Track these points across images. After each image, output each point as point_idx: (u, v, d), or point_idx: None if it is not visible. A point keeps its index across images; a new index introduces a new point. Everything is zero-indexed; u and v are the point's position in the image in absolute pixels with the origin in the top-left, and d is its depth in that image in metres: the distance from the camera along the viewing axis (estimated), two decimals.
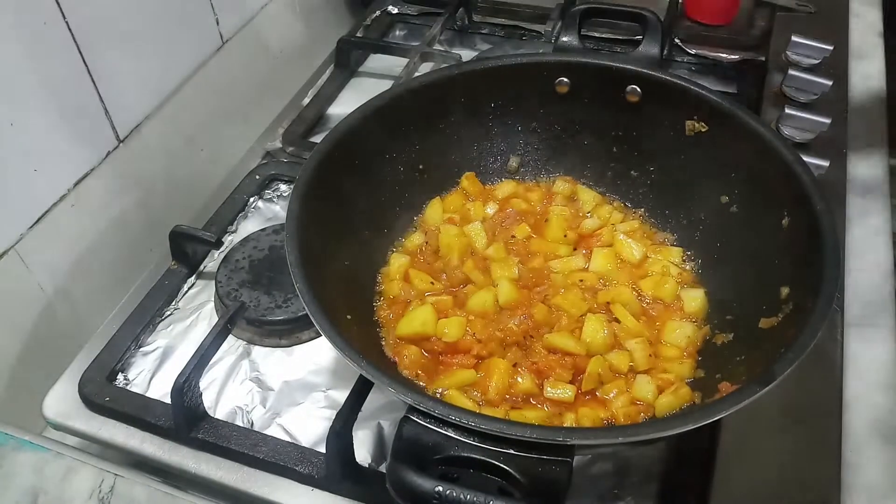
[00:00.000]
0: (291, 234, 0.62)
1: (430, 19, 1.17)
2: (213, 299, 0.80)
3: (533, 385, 0.65)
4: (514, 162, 0.84)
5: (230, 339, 0.74)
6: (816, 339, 0.53)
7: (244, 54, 1.00)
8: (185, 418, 0.66)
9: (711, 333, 0.68)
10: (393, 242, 0.78)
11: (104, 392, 0.70)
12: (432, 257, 0.76)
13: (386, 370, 0.61)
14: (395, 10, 1.21)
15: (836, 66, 0.99)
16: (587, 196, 0.81)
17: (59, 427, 0.70)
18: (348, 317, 0.65)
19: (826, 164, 0.84)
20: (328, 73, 1.10)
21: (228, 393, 0.72)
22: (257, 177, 0.92)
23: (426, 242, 0.77)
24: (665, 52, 0.98)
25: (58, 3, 0.72)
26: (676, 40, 1.07)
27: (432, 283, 0.73)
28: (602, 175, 0.83)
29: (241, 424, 0.69)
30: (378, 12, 1.20)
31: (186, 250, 0.82)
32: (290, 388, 0.73)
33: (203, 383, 0.68)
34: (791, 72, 0.95)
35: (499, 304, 0.71)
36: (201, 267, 0.84)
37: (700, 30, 1.08)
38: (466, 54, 1.10)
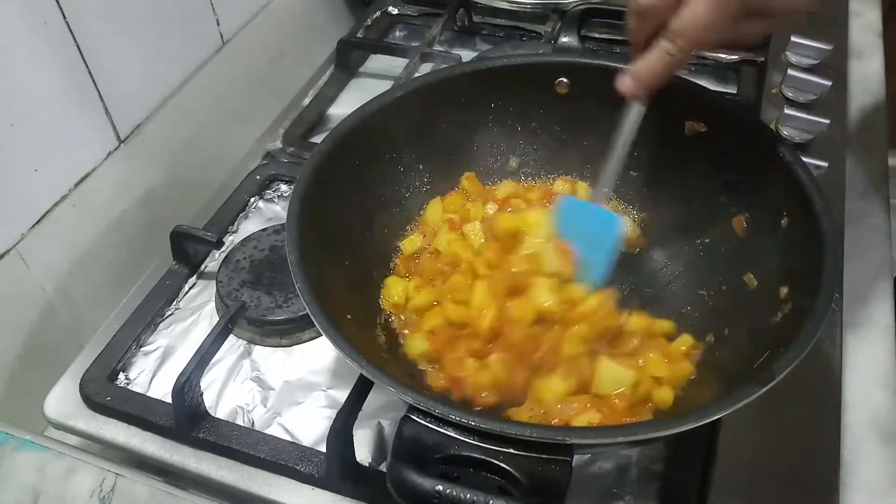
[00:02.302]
0: (292, 233, 0.62)
1: (430, 20, 1.17)
2: (213, 299, 0.80)
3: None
4: (514, 162, 0.84)
5: (231, 338, 0.74)
6: (815, 338, 0.53)
7: (245, 55, 1.01)
8: (186, 418, 0.66)
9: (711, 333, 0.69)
10: (393, 242, 0.78)
11: (105, 391, 0.71)
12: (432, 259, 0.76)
13: (386, 369, 0.61)
14: (396, 11, 1.21)
15: (836, 66, 0.99)
16: (587, 195, 0.81)
17: (60, 426, 0.70)
18: (348, 316, 0.65)
19: (825, 164, 0.84)
20: (328, 73, 1.10)
21: (229, 392, 0.72)
22: (258, 177, 0.92)
23: (427, 248, 0.77)
24: None
25: (58, 3, 0.72)
26: None
27: (435, 303, 0.72)
28: (601, 175, 0.82)
29: (241, 424, 0.69)
30: (378, 13, 1.20)
31: (187, 250, 0.83)
32: (290, 387, 0.73)
33: (204, 383, 0.68)
34: (790, 72, 0.95)
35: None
36: (202, 267, 0.84)
37: None
38: (466, 55, 1.10)
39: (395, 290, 0.73)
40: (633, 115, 0.65)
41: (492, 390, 0.64)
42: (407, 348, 0.69)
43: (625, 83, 0.63)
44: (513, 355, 0.65)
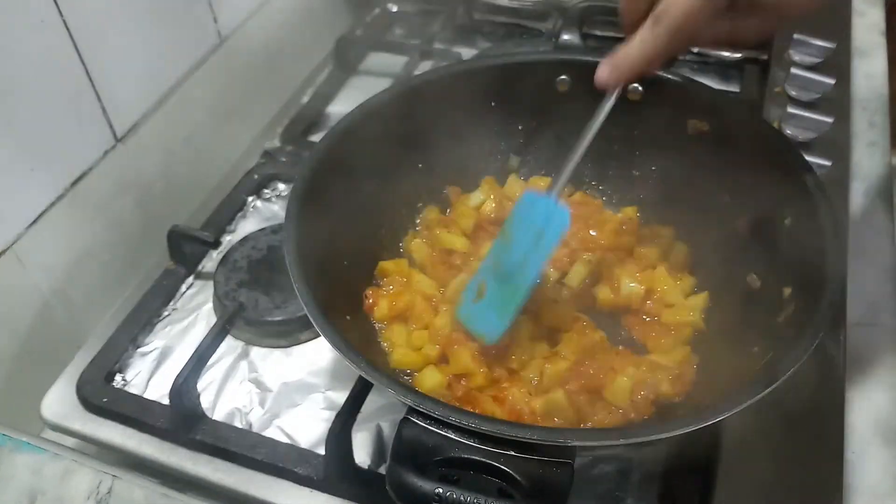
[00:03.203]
0: (290, 234, 0.62)
1: (430, 17, 1.16)
2: (211, 300, 0.80)
3: None
4: (514, 161, 0.84)
5: (228, 339, 0.74)
6: (819, 339, 0.53)
7: (242, 53, 1.00)
8: (184, 419, 0.66)
9: None
10: (393, 242, 0.77)
11: (102, 393, 0.70)
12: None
13: (385, 371, 0.60)
14: (395, 9, 1.21)
15: (839, 64, 0.98)
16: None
17: (56, 428, 0.70)
18: (348, 317, 0.65)
19: (828, 163, 0.83)
20: (327, 71, 1.10)
21: (227, 394, 0.72)
22: (256, 176, 0.92)
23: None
24: None
25: (55, 2, 0.71)
26: None
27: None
28: (603, 175, 0.82)
29: (239, 426, 0.68)
30: (377, 10, 1.20)
31: (184, 250, 0.82)
32: (288, 389, 0.72)
33: (201, 384, 0.68)
34: (794, 70, 0.95)
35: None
36: (199, 267, 0.84)
37: None
38: (467, 52, 1.09)
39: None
40: (604, 109, 0.63)
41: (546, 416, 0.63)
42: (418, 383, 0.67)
43: (601, 71, 0.61)
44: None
